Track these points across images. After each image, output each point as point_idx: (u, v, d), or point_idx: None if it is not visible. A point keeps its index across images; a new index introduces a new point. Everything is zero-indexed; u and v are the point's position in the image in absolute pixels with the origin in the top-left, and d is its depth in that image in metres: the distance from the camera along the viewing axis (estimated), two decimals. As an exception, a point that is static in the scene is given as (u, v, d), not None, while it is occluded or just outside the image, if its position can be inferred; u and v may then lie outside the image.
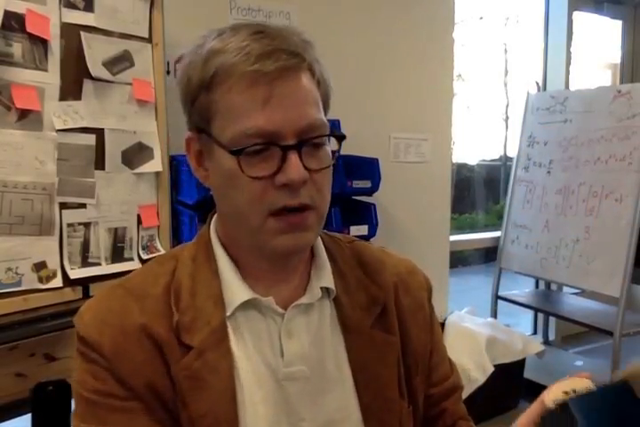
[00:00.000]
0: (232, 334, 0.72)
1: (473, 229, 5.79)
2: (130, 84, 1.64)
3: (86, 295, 1.51)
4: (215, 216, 0.80)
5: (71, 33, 1.51)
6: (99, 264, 1.58)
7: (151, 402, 0.69)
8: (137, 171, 1.67)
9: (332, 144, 0.72)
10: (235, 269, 0.74)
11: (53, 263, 1.48)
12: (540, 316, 3.71)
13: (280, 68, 0.64)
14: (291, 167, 0.64)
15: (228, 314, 0.72)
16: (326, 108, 0.73)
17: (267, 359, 0.73)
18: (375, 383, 0.77)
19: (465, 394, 1.01)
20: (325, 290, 0.77)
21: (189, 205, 1.96)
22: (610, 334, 2.62)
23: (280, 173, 0.65)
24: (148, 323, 0.70)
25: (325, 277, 0.78)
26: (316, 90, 0.69)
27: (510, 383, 2.71)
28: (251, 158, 0.66)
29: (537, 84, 3.40)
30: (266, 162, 0.66)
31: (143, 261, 1.66)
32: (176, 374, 0.69)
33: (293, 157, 0.65)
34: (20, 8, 1.39)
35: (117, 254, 1.63)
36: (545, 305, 3.26)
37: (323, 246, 0.80)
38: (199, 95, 0.68)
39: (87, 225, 1.56)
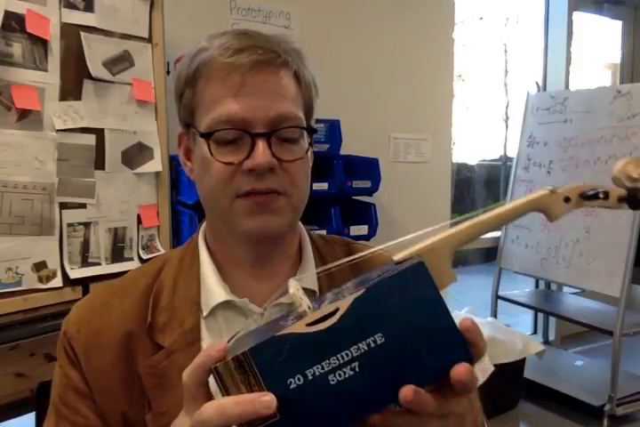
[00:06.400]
0: (208, 335, 0.73)
1: (473, 229, 5.78)
2: (130, 84, 1.64)
3: (86, 295, 1.51)
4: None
5: (71, 33, 1.51)
6: (99, 264, 1.58)
7: (108, 400, 0.71)
8: (137, 171, 1.67)
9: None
10: (215, 271, 0.76)
11: (53, 263, 1.48)
12: (540, 316, 3.71)
13: (254, 61, 0.67)
14: (257, 153, 0.67)
15: (204, 315, 0.73)
16: (309, 111, 0.74)
17: None
18: None
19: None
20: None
21: (189, 205, 1.96)
22: (610, 333, 2.61)
23: (248, 159, 0.67)
24: (123, 321, 0.73)
25: (308, 278, 0.77)
26: (294, 87, 0.71)
27: (510, 383, 2.71)
28: (223, 147, 0.68)
29: (537, 84, 3.40)
30: (237, 150, 0.68)
31: (143, 261, 1.66)
32: (142, 371, 0.71)
33: (261, 144, 0.67)
34: (20, 8, 1.40)
35: (117, 254, 1.63)
36: (545, 305, 3.26)
37: (310, 248, 0.81)
38: (185, 90, 0.72)
39: (87, 225, 1.56)
